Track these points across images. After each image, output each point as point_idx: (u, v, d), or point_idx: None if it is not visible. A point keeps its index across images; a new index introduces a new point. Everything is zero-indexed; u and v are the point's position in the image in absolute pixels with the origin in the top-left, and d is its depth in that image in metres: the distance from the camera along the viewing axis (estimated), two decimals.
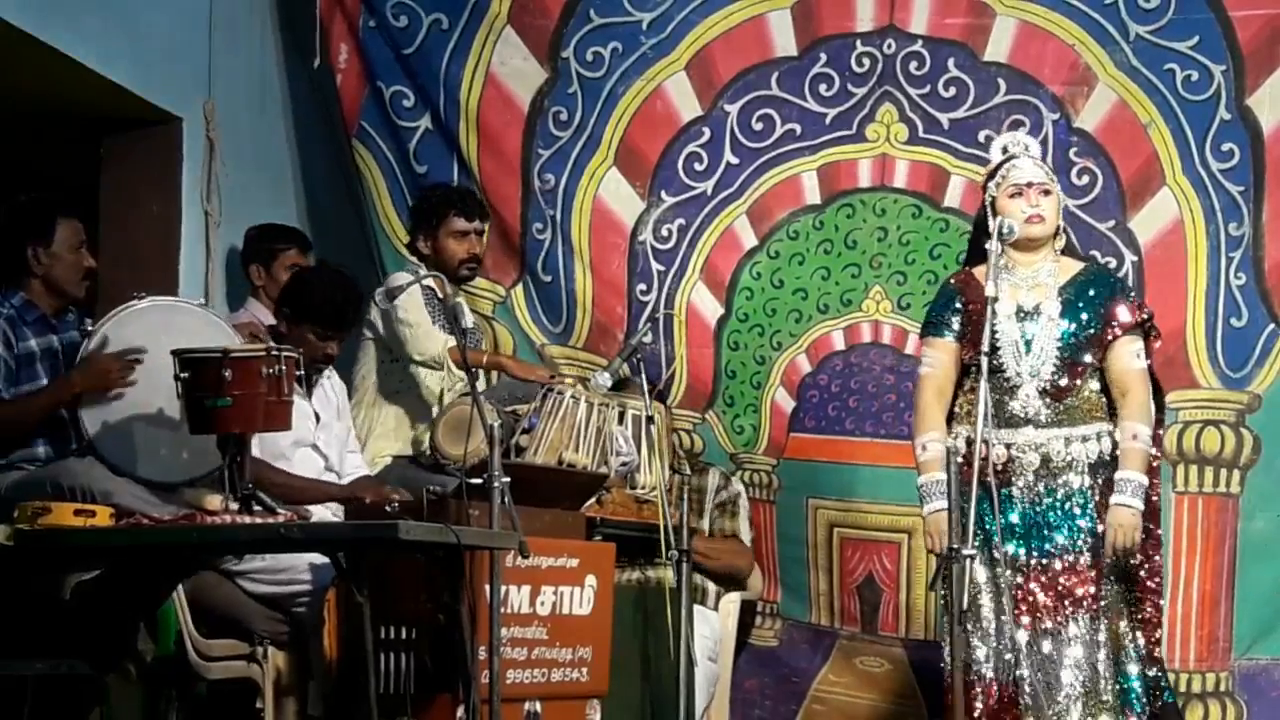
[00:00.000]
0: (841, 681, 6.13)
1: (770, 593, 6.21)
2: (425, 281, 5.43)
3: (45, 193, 4.82)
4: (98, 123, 5.88)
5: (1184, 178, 5.95)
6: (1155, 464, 4.91)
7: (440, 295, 5.63)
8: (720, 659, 5.78)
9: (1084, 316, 4.84)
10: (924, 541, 4.95)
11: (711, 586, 5.84)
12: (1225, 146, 5.92)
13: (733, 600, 5.89)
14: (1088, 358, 4.84)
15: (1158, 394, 4.94)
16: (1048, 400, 4.82)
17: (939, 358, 4.93)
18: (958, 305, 4.93)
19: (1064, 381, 4.82)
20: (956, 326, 4.91)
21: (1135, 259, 5.99)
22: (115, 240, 5.74)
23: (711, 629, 5.72)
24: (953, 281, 5.00)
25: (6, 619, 4.05)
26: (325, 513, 4.89)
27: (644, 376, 5.32)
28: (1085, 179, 6.01)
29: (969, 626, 4.73)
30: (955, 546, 4.43)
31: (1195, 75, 5.91)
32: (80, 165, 6.01)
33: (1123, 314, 4.86)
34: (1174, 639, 5.83)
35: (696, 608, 5.37)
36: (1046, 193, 4.86)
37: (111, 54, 5.49)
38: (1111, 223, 6.01)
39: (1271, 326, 5.90)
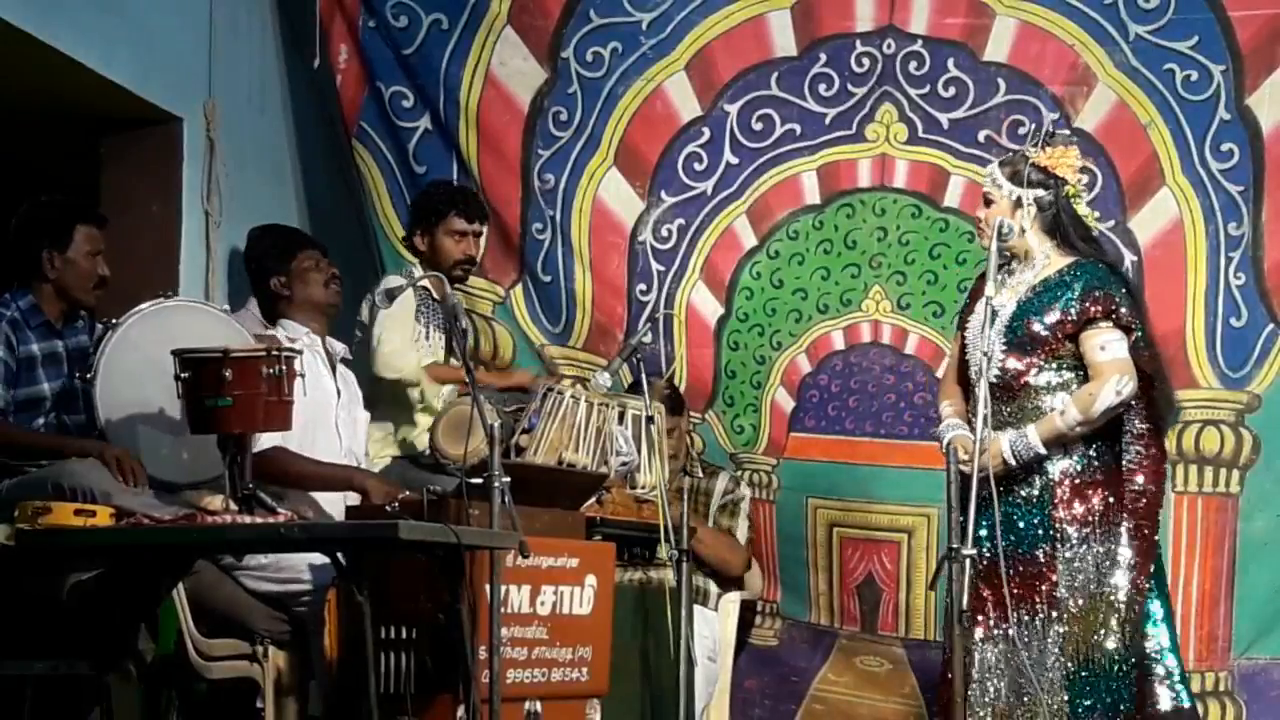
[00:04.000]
0: (841, 681, 6.13)
1: (770, 592, 6.21)
2: (421, 283, 5.42)
3: (68, 197, 4.82)
4: (98, 123, 5.88)
5: (1184, 178, 5.95)
6: (1156, 468, 4.79)
7: (436, 296, 5.63)
8: (720, 659, 5.79)
9: (1041, 314, 4.81)
10: (958, 458, 4.70)
11: (713, 587, 5.85)
12: (1225, 146, 5.92)
13: (733, 600, 5.89)
14: (1030, 358, 4.81)
15: (1152, 389, 4.84)
16: (1000, 403, 4.79)
17: (953, 352, 5.06)
18: (966, 303, 5.04)
19: (1009, 380, 4.81)
20: (963, 324, 5.00)
21: (1135, 259, 5.99)
22: (115, 240, 5.71)
23: (711, 629, 5.73)
24: (975, 280, 5.10)
25: (6, 619, 4.05)
26: (339, 502, 4.91)
27: (644, 376, 5.32)
28: (1085, 179, 5.99)
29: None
30: (955, 546, 4.44)
31: (1195, 75, 5.92)
32: (80, 165, 6.02)
33: (1076, 309, 4.78)
34: None
35: (696, 608, 5.37)
36: (988, 202, 4.88)
37: (111, 54, 5.49)
38: (1111, 223, 6.00)
39: (1271, 326, 5.90)
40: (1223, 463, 5.91)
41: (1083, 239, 4.91)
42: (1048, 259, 4.88)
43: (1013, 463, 4.75)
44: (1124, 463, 4.83)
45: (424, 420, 5.59)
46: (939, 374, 5.16)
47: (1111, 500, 4.79)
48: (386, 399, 5.63)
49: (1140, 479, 4.80)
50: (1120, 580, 4.76)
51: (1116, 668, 4.70)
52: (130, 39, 5.60)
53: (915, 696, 5.98)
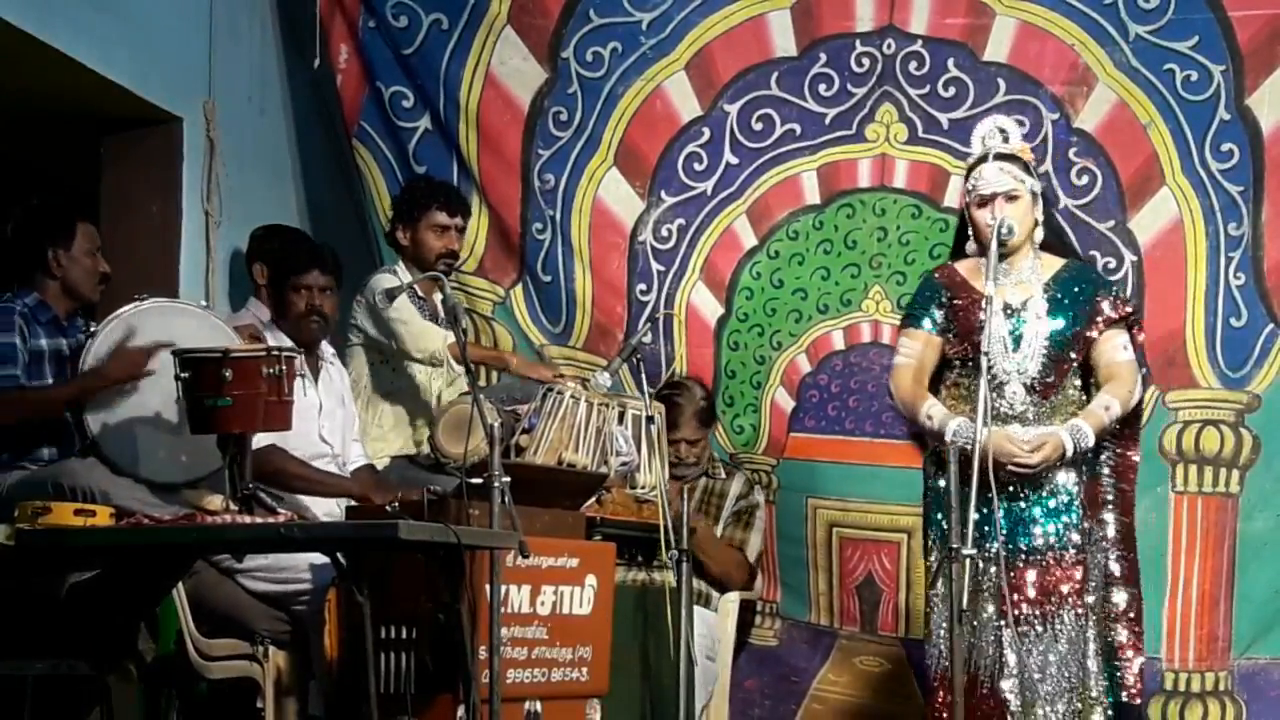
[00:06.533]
0: (841, 681, 6.13)
1: (770, 592, 6.21)
2: (414, 283, 5.44)
3: (62, 196, 4.84)
4: (98, 123, 5.88)
5: (1183, 178, 5.95)
6: (1134, 458, 4.93)
7: (421, 294, 5.64)
8: (719, 658, 5.78)
9: (1071, 314, 4.86)
10: (1015, 454, 4.68)
11: (715, 592, 5.85)
12: (1225, 146, 5.91)
13: (732, 600, 5.88)
14: (1072, 354, 4.86)
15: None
16: (1034, 398, 4.83)
17: (915, 348, 4.93)
18: (942, 299, 4.92)
19: (1050, 379, 4.83)
20: (939, 319, 4.91)
21: (1135, 259, 5.99)
22: (115, 240, 5.73)
23: (710, 628, 5.72)
24: (936, 275, 4.99)
25: (7, 619, 4.05)
26: (332, 506, 4.91)
27: (644, 376, 5.32)
28: (1085, 179, 6.01)
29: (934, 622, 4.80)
30: (955, 546, 4.45)
31: (1195, 75, 5.91)
32: (80, 165, 6.02)
33: (1107, 308, 4.88)
34: (1174, 638, 5.85)
35: (696, 608, 5.37)
36: (1012, 198, 4.84)
37: (111, 54, 5.49)
38: (1111, 223, 6.01)
39: (1271, 326, 5.90)
40: (1223, 463, 5.91)
41: (1057, 233, 5.02)
42: (1039, 258, 4.90)
43: (1070, 455, 4.76)
44: (1108, 464, 4.91)
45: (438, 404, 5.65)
46: (904, 380, 4.92)
47: (1108, 499, 4.88)
48: (407, 390, 5.65)
49: (1125, 482, 4.93)
50: (1125, 576, 4.85)
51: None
52: (130, 39, 5.60)
53: (915, 696, 5.98)
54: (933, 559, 4.87)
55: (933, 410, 4.84)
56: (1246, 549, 5.88)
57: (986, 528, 4.65)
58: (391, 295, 5.07)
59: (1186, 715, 5.85)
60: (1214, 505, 5.91)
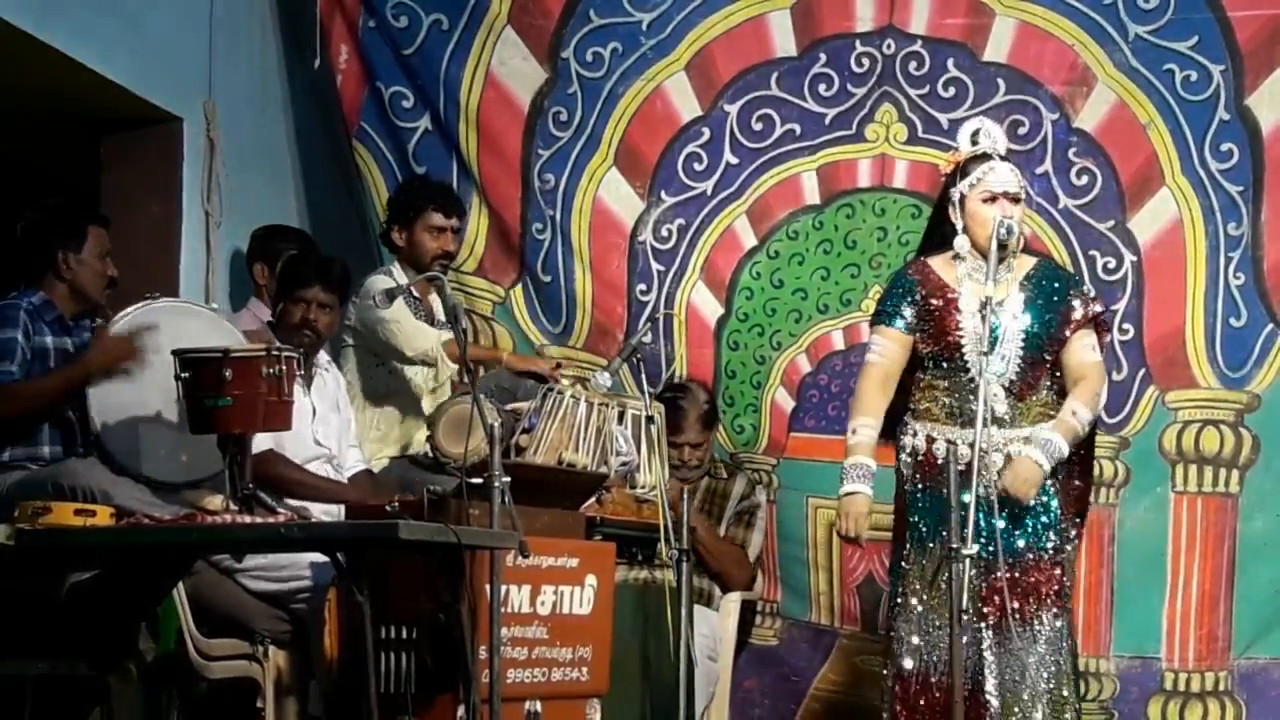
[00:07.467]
0: (841, 681, 6.13)
1: (770, 592, 6.21)
2: (411, 285, 5.44)
3: (75, 198, 4.84)
4: (98, 123, 5.89)
5: (1183, 178, 5.95)
6: (1075, 481, 4.96)
7: (416, 294, 5.65)
8: (720, 658, 5.79)
9: (1045, 313, 4.84)
10: (838, 524, 4.87)
11: (716, 591, 5.85)
12: (1224, 146, 5.92)
13: (733, 600, 5.89)
14: (1046, 355, 4.85)
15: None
16: (1010, 399, 4.82)
17: (889, 347, 4.90)
18: (916, 296, 4.88)
19: (1027, 380, 4.83)
20: (910, 317, 4.87)
21: (1134, 259, 5.99)
22: (115, 240, 5.71)
23: (711, 628, 5.73)
24: (909, 272, 4.95)
25: (7, 619, 4.05)
26: (330, 508, 4.91)
27: (644, 376, 5.32)
28: (1084, 179, 6.02)
29: (904, 623, 4.80)
30: (955, 546, 4.45)
31: (1194, 75, 5.92)
32: (80, 165, 6.02)
33: (1079, 308, 4.86)
34: (1174, 638, 5.86)
35: (697, 607, 5.37)
36: (1016, 200, 4.83)
37: (111, 54, 5.49)
38: (1111, 223, 6.01)
39: (1270, 326, 5.91)
40: (1222, 463, 5.91)
41: None
42: (1014, 256, 4.89)
43: (1047, 470, 4.75)
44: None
45: (431, 405, 5.65)
46: (867, 379, 4.92)
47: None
48: (403, 390, 5.65)
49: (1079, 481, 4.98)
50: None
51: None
52: (130, 39, 5.61)
53: None
54: (908, 562, 4.84)
55: (860, 428, 4.83)
56: (1246, 549, 5.89)
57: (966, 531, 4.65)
58: (391, 296, 5.07)
59: (1186, 715, 5.85)
60: (1214, 505, 5.91)
